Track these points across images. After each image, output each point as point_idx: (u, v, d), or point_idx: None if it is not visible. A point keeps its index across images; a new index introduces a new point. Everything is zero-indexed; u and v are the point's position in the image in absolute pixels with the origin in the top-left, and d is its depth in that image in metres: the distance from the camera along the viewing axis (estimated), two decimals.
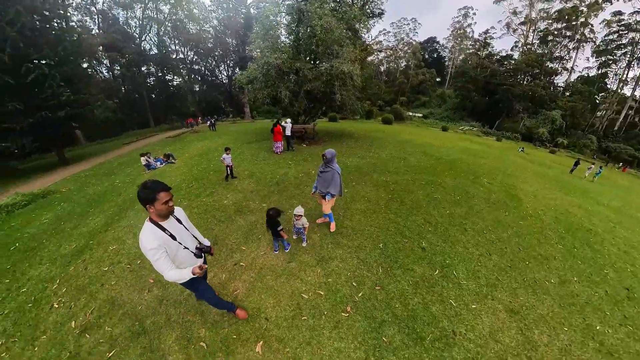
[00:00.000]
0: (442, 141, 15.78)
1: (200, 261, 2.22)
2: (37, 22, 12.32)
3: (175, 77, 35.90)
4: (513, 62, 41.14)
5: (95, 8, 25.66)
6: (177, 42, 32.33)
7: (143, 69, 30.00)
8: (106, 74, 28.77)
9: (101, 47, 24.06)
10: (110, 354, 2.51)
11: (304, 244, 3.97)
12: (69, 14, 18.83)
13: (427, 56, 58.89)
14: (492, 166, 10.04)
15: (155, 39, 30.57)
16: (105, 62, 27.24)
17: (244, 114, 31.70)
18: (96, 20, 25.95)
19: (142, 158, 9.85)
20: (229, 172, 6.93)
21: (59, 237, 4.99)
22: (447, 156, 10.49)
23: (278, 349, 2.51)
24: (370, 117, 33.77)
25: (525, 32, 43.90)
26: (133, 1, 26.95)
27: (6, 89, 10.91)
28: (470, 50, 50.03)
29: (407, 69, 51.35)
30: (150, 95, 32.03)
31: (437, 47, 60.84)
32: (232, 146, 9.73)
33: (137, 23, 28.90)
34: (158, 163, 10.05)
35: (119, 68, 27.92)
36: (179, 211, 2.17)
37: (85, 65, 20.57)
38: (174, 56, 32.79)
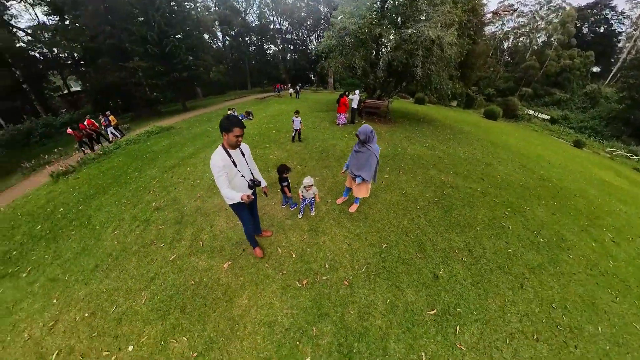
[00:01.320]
0: (563, 159, 10.46)
1: (250, 192, 2.48)
2: (175, 6, 16.12)
3: (271, 46, 39.40)
4: None
5: None
6: (274, 13, 34.66)
7: (247, 39, 34.15)
8: (220, 44, 34.39)
9: (217, 22, 28.83)
10: (161, 226, 4.00)
11: (312, 214, 3.87)
12: None
13: (586, 29, 37.96)
14: (633, 220, 5.38)
15: (257, 11, 33.76)
16: (218, 34, 32.55)
17: (327, 84, 31.72)
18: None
19: (228, 112, 12.15)
20: (294, 133, 7.24)
21: (166, 155, 7.39)
22: (559, 180, 6.77)
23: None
24: (470, 106, 26.11)
25: None
26: None
27: (154, 58, 15.21)
28: None
29: (545, 48, 33.80)
30: (251, 62, 36.23)
31: (608, 15, 36.90)
32: (302, 112, 10.06)
33: None
34: (241, 118, 12.15)
35: (228, 39, 32.85)
36: (245, 147, 2.48)
37: (206, 36, 25.46)
38: (272, 26, 35.55)
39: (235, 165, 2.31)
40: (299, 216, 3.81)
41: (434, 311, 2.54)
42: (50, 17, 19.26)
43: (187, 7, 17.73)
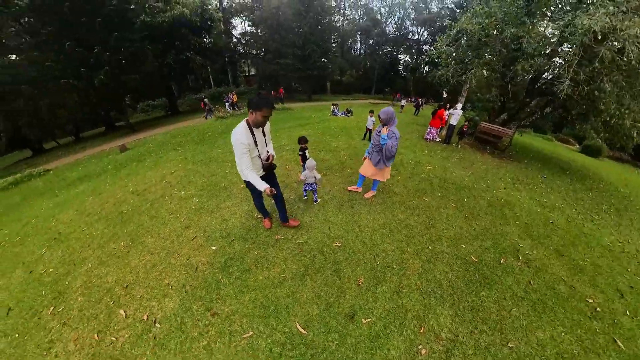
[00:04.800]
0: None
1: (262, 173, 2.34)
2: (321, 18, 19.03)
3: (406, 56, 38.40)
4: None
5: (360, 4, 32.58)
6: (414, 23, 33.27)
7: (382, 47, 34.74)
8: (357, 51, 36.85)
9: (359, 32, 31.26)
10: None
11: (316, 202, 3.56)
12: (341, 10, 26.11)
13: None
14: None
15: (398, 21, 33.57)
16: (357, 43, 34.87)
17: (455, 102, 26.78)
18: (359, 12, 33.03)
19: (332, 106, 13.30)
20: (366, 132, 7.13)
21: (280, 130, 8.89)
22: None
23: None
24: None
25: None
26: None
27: (296, 58, 18.66)
28: None
29: None
30: (381, 69, 36.49)
31: None
32: (400, 123, 9.46)
33: (386, 10, 32.99)
34: (340, 114, 13.05)
35: (364, 46, 34.70)
36: (266, 125, 2.25)
37: (348, 43, 28.52)
38: (410, 36, 34.46)
39: (256, 145, 2.17)
40: (304, 197, 3.64)
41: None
42: (251, 27, 27.49)
43: (331, 20, 20.66)
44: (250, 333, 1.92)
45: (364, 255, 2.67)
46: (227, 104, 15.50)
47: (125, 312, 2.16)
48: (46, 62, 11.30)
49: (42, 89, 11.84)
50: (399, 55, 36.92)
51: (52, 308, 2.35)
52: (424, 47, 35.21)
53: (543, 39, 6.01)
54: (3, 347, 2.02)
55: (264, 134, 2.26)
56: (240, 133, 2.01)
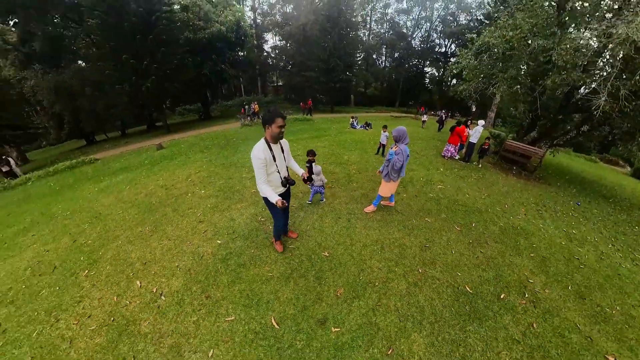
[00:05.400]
0: None
1: (283, 190, 2.36)
2: (345, 33, 19.43)
3: (432, 69, 37.40)
4: None
5: (386, 18, 32.71)
6: (442, 35, 32.46)
7: (408, 60, 34.31)
8: (382, 64, 36.79)
9: (385, 46, 31.34)
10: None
11: (322, 201, 3.97)
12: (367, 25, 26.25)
13: None
14: None
15: (424, 35, 33.10)
16: (383, 55, 34.89)
17: (486, 118, 23.12)
18: (384, 27, 33.20)
19: (351, 118, 13.33)
20: (380, 146, 7.13)
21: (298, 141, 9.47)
22: None
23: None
24: None
25: None
26: (411, 6, 30.74)
27: (320, 71, 19.23)
28: None
29: None
30: (406, 82, 35.87)
31: None
32: (420, 139, 9.50)
33: (412, 23, 32.85)
34: (358, 126, 13.02)
35: (389, 59, 34.60)
36: (285, 143, 2.32)
37: (374, 56, 28.79)
38: (437, 49, 33.62)
39: (275, 160, 2.18)
40: (308, 201, 3.96)
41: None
42: (282, 42, 28.99)
43: (356, 34, 21.03)
44: (233, 317, 2.18)
45: (349, 268, 2.70)
46: (249, 114, 16.53)
47: (140, 283, 2.62)
48: (106, 71, 13.50)
49: (101, 91, 14.33)
50: (425, 68, 36.19)
51: (86, 271, 2.90)
52: (451, 59, 34.14)
53: (576, 51, 5.43)
54: (47, 295, 2.63)
55: (282, 150, 2.29)
56: (257, 148, 2.08)
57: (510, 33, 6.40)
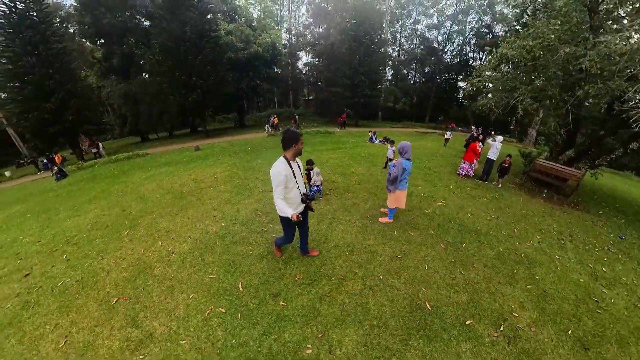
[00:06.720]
0: None
1: (301, 208, 2.42)
2: (375, 50, 20.18)
3: (466, 83, 35.74)
4: None
5: (416, 34, 32.92)
6: (475, 48, 31.31)
7: (439, 75, 33.60)
8: (412, 80, 36.57)
9: (414, 61, 31.33)
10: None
11: (320, 198, 4.62)
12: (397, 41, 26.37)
13: None
14: None
15: (456, 49, 32.37)
16: (412, 71, 34.85)
17: (526, 136, 21.28)
18: (415, 42, 33.36)
19: (369, 133, 13.72)
20: (387, 161, 7.15)
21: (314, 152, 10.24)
22: None
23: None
24: None
25: None
26: (442, 21, 30.42)
27: (345, 87, 20.18)
28: None
29: None
30: (437, 97, 34.35)
31: None
32: (438, 155, 9.53)
33: (443, 38, 32.29)
34: (377, 141, 13.14)
35: (420, 74, 34.38)
36: (299, 160, 2.42)
37: (404, 71, 29.20)
38: (470, 62, 32.42)
39: (294, 177, 2.26)
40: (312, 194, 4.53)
41: None
42: (314, 59, 30.97)
43: (385, 51, 21.65)
44: (214, 276, 2.84)
45: (314, 260, 3.03)
46: (268, 125, 17.70)
47: (161, 243, 3.54)
48: (163, 84, 16.65)
49: (157, 99, 17.73)
50: (459, 83, 34.88)
51: (127, 231, 3.98)
52: (487, 72, 32.51)
53: (612, 57, 4.69)
54: (99, 242, 3.76)
55: (299, 167, 2.40)
56: (279, 166, 2.17)
57: (531, 43, 5.82)
